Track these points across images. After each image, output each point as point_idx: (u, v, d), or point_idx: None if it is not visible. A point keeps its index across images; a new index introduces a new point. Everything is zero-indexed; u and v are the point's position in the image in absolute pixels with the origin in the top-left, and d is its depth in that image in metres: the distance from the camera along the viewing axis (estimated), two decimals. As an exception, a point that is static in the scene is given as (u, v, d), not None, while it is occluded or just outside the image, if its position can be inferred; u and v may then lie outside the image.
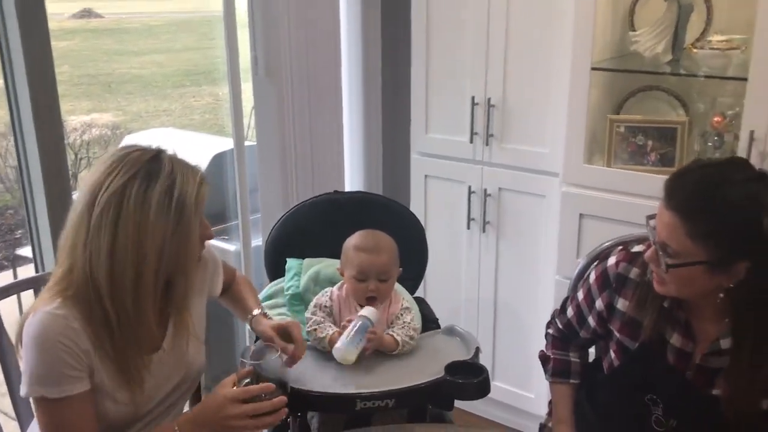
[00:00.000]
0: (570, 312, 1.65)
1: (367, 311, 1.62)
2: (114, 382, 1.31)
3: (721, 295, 1.32)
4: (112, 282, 1.23)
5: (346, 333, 1.57)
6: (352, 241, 1.73)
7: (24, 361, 1.26)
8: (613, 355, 1.52)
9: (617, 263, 1.50)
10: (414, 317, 1.73)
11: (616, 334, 1.50)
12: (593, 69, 2.13)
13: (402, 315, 1.71)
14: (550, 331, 1.73)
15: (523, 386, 2.57)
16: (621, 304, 1.49)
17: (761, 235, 1.23)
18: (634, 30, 2.26)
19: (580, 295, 1.60)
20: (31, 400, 1.32)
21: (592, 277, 1.56)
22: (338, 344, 1.56)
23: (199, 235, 1.34)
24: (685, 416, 1.43)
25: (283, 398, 1.34)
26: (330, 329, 1.65)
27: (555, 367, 1.69)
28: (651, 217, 1.37)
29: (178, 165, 1.29)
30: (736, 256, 1.27)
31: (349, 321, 1.61)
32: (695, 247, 1.27)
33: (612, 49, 2.28)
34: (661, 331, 1.42)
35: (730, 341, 1.36)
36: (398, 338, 1.65)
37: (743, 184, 1.26)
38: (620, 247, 1.57)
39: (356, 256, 1.68)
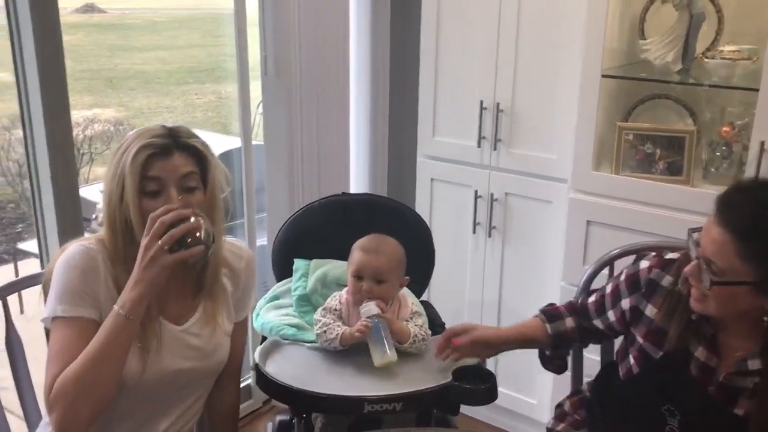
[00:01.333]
0: (591, 299, 1.62)
1: (368, 308, 1.62)
2: None
3: (766, 318, 1.31)
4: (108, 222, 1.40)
5: (371, 345, 1.57)
6: (358, 241, 1.75)
7: (51, 287, 1.38)
8: (632, 361, 1.51)
9: (650, 268, 1.48)
10: (425, 323, 1.73)
11: (640, 340, 1.48)
12: (603, 76, 2.14)
13: (412, 318, 1.71)
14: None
15: (526, 392, 2.57)
16: (649, 310, 1.46)
17: None
18: (645, 38, 2.26)
19: (608, 288, 1.58)
20: (45, 331, 1.42)
21: (623, 276, 1.54)
22: (374, 358, 1.57)
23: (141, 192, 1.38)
24: (702, 431, 1.42)
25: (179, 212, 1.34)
26: (339, 329, 1.64)
27: (547, 309, 1.67)
28: (694, 230, 1.35)
29: (133, 134, 1.42)
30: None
31: (365, 326, 1.60)
32: (743, 267, 1.25)
33: (622, 56, 2.28)
34: (686, 342, 1.40)
35: (758, 362, 1.34)
36: (412, 329, 1.65)
37: None
38: (653, 253, 1.55)
39: (356, 255, 1.71)
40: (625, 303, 1.52)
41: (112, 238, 1.40)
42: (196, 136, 1.44)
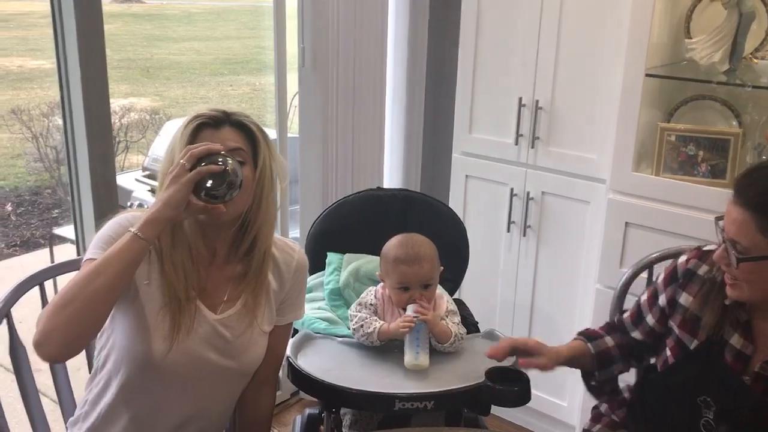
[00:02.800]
0: (626, 314, 1.61)
1: (413, 309, 1.60)
2: (153, 306, 1.35)
3: None
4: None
5: (407, 344, 1.56)
6: (392, 252, 1.69)
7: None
8: (668, 352, 1.49)
9: (687, 260, 1.49)
10: (460, 321, 1.71)
11: (675, 329, 1.48)
12: (647, 75, 2.09)
13: (447, 316, 1.69)
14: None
15: (557, 394, 2.53)
16: (684, 298, 1.46)
17: None
18: (690, 37, 2.20)
19: (644, 297, 1.57)
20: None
21: (661, 276, 1.53)
22: (406, 357, 1.55)
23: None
24: (738, 422, 1.38)
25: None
26: (377, 323, 1.63)
27: (584, 331, 1.65)
28: (720, 218, 1.36)
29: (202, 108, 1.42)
30: None
31: (409, 321, 1.59)
32: (766, 241, 1.26)
33: (665, 55, 2.23)
34: (720, 330, 1.40)
35: None
36: (453, 328, 1.64)
37: None
38: (693, 246, 1.53)
39: (396, 269, 1.66)
40: (662, 299, 1.51)
41: None
42: (251, 119, 1.42)
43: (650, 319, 1.55)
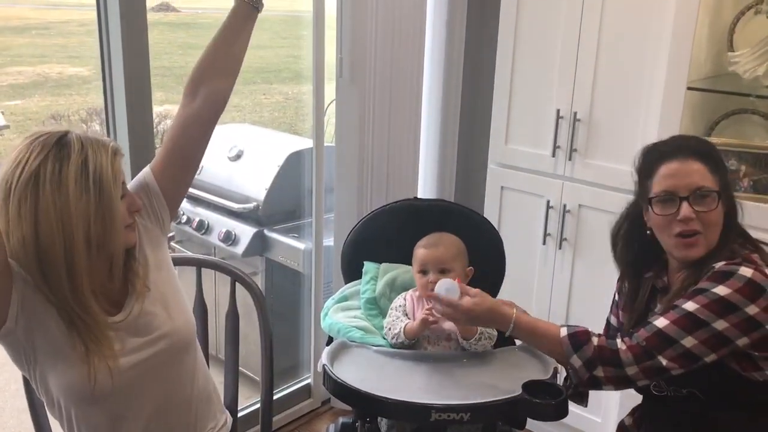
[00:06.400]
0: (693, 341, 1.38)
1: (441, 283, 1.57)
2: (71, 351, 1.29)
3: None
4: (42, 268, 1.23)
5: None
6: (418, 242, 1.79)
7: None
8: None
9: (759, 271, 1.38)
10: None
11: (619, 316, 1.60)
12: (689, 89, 2.06)
13: None
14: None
15: (592, 410, 2.48)
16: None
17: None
18: (733, 50, 2.18)
19: (719, 325, 1.36)
20: None
21: (725, 292, 1.37)
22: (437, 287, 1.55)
23: (127, 207, 1.33)
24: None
25: None
26: (402, 322, 1.67)
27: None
28: (651, 198, 1.48)
29: (87, 141, 1.26)
30: (726, 183, 1.47)
31: (428, 309, 1.61)
32: (715, 181, 1.44)
33: (707, 68, 2.20)
34: (651, 302, 1.55)
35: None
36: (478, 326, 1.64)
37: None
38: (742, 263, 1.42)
39: (418, 252, 1.76)
40: (751, 309, 1.36)
41: None
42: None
43: (612, 319, 1.70)
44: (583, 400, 1.61)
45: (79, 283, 1.26)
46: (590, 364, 1.44)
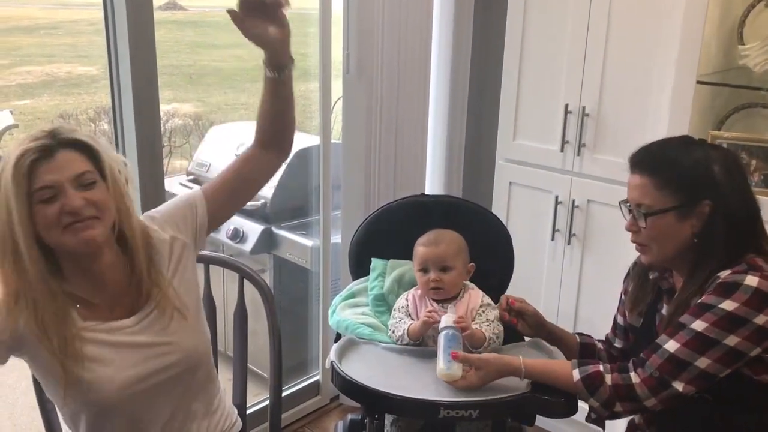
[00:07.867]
0: (706, 362, 1.37)
1: (448, 318, 1.58)
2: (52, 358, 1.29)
3: (696, 240, 1.42)
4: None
5: (439, 353, 1.52)
6: (418, 240, 1.78)
7: None
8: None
9: (765, 278, 1.35)
10: (496, 317, 1.69)
11: (626, 315, 1.61)
12: (698, 82, 2.05)
13: (484, 312, 1.68)
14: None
15: (600, 406, 2.49)
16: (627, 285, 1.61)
17: (713, 177, 1.41)
18: (744, 44, 2.16)
19: (730, 341, 1.34)
20: None
21: (732, 307, 1.34)
22: (439, 366, 1.51)
23: (59, 208, 1.26)
24: None
25: None
26: (405, 324, 1.66)
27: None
28: (624, 201, 1.51)
29: (13, 145, 1.28)
30: (697, 196, 1.41)
31: (429, 312, 1.61)
32: (664, 197, 1.42)
33: (717, 62, 2.18)
34: (657, 304, 1.56)
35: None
36: (486, 333, 1.62)
37: (696, 146, 1.47)
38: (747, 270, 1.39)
39: (418, 250, 1.74)
40: (760, 319, 1.34)
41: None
42: (79, 130, 1.33)
43: (619, 318, 1.68)
44: (603, 424, 1.60)
45: (32, 273, 1.27)
46: (608, 404, 1.44)
